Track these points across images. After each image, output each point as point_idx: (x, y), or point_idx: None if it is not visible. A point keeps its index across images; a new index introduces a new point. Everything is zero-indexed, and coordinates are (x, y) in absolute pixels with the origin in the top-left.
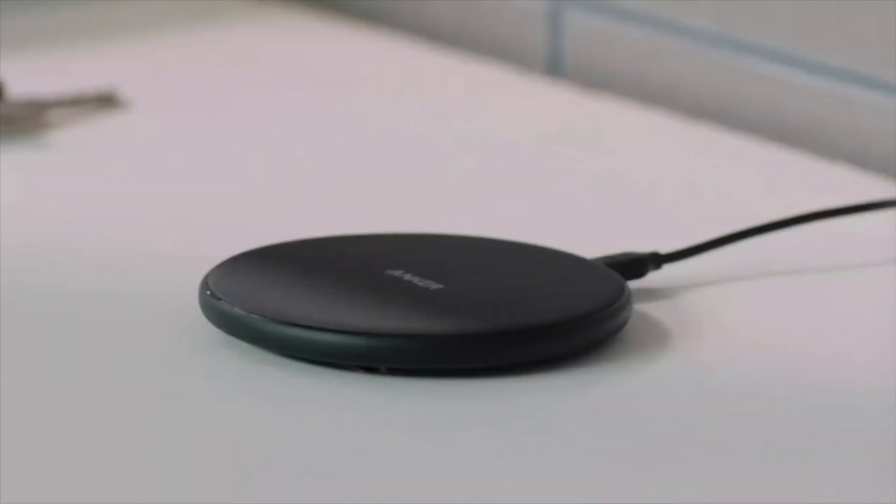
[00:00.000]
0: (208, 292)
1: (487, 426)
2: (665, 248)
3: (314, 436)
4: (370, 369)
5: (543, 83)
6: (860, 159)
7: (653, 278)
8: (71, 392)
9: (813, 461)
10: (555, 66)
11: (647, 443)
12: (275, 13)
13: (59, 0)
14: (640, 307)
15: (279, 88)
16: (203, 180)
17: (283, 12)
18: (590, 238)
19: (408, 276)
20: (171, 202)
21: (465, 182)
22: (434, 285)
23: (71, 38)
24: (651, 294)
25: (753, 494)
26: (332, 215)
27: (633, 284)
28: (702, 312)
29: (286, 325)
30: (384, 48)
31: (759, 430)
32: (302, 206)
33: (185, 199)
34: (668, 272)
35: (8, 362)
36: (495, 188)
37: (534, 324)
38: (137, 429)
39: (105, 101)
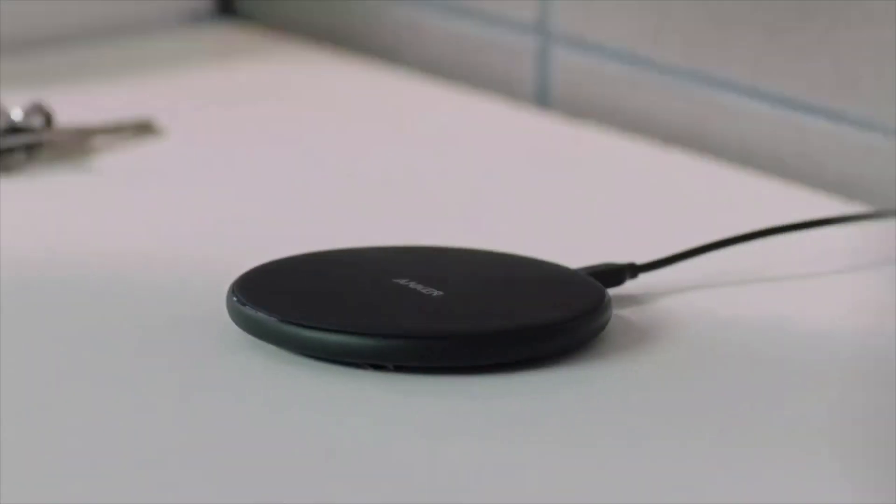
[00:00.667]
0: (234, 298)
1: (482, 417)
2: (641, 259)
3: (328, 426)
4: (379, 367)
5: (533, 113)
6: (812, 181)
7: (630, 286)
8: (111, 390)
9: (766, 451)
10: (543, 98)
11: (624, 430)
12: (295, 50)
13: (101, 38)
14: (618, 311)
15: (298, 117)
16: (230, 199)
17: (302, 50)
18: (574, 250)
19: (412, 284)
20: (202, 219)
21: (462, 201)
22: (435, 292)
23: (113, 72)
24: (628, 300)
25: (718, 483)
26: (345, 231)
27: (612, 291)
28: (673, 316)
29: (304, 327)
30: (391, 82)
31: (720, 419)
32: (318, 223)
33: (213, 217)
34: (644, 280)
35: (56, 368)
36: (490, 206)
37: (524, 326)
38: (171, 423)
39: (143, 129)
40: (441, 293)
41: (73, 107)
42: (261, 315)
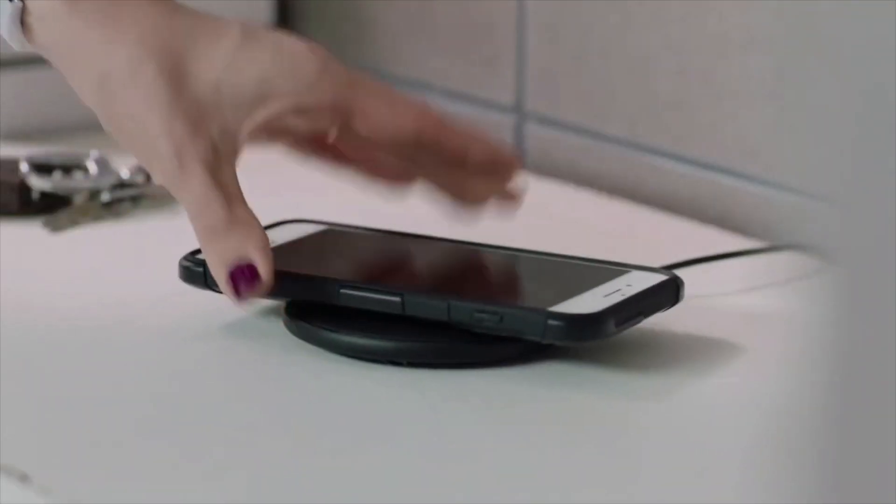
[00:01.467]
0: (288, 314)
1: (473, 397)
2: None
3: (358, 404)
4: (396, 363)
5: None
6: (722, 223)
7: None
8: (212, 373)
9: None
10: (519, 160)
11: (577, 399)
12: None
13: None
14: None
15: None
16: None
17: None
18: None
19: None
20: None
21: (464, 235)
22: None
23: None
24: None
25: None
26: None
27: None
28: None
29: (339, 333)
30: None
31: (648, 402)
32: None
33: None
34: None
35: (167, 379)
36: (482, 237)
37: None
38: (241, 401)
39: None
40: None
41: None
42: (306, 325)
